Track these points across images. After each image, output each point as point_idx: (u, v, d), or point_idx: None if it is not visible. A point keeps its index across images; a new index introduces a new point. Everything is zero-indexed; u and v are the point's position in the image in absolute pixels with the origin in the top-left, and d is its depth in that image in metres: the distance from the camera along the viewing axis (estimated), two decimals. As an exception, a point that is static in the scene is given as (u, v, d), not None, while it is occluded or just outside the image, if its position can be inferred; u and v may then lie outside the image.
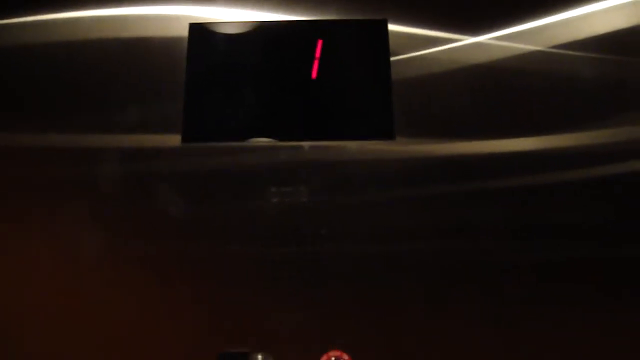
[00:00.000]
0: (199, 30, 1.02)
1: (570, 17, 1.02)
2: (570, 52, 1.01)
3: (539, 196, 0.95)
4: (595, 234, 0.94)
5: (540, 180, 0.96)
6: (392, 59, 1.00)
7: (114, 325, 0.91)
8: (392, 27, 1.02)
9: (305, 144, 0.97)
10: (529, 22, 1.02)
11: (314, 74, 1.00)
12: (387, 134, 0.97)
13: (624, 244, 0.93)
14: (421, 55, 1.01)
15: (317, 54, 1.00)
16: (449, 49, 1.01)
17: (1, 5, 1.04)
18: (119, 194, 0.96)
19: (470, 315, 0.91)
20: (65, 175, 0.97)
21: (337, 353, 0.88)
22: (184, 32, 1.02)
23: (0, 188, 0.97)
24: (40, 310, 0.92)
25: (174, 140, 0.98)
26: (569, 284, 0.92)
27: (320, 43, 1.01)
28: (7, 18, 1.04)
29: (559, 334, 0.90)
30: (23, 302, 0.93)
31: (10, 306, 0.93)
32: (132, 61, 1.01)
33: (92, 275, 0.93)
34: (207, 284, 0.93)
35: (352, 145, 0.97)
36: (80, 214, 0.95)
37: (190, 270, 0.94)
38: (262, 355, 0.86)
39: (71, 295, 0.93)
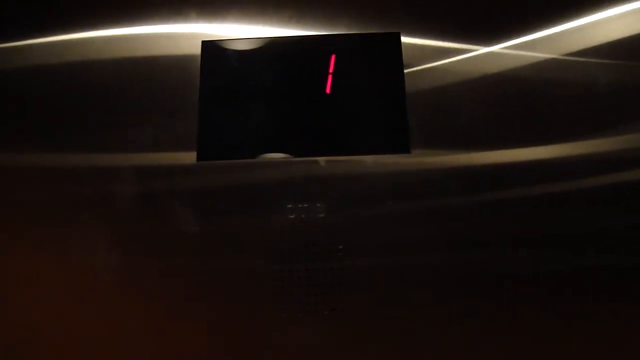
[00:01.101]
0: (211, 47, 1.02)
1: (583, 24, 1.02)
2: (585, 59, 1.00)
3: (556, 205, 0.95)
4: (613, 242, 0.93)
5: (557, 188, 0.95)
6: (405, 71, 1.00)
7: (127, 344, 0.92)
8: (405, 39, 1.02)
9: (321, 159, 0.97)
10: (542, 30, 1.02)
11: (328, 89, 0.99)
12: (403, 148, 0.97)
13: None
14: (435, 66, 1.01)
15: (331, 68, 1.00)
16: (463, 59, 1.01)
17: (14, 28, 1.04)
18: (133, 212, 0.96)
19: (486, 327, 0.91)
20: (80, 194, 0.97)
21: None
22: (196, 49, 1.02)
23: (13, 208, 0.97)
24: (52, 331, 0.93)
25: (188, 157, 0.97)
26: (587, 293, 0.92)
27: (333, 58, 1.00)
28: (20, 40, 1.04)
29: (576, 345, 0.90)
30: (36, 324, 0.93)
31: (23, 327, 0.93)
32: (144, 80, 1.01)
33: (106, 294, 0.93)
34: (223, 300, 0.93)
35: (367, 158, 0.97)
36: (95, 232, 0.95)
37: (206, 287, 0.94)
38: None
39: (85, 314, 0.93)
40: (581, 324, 0.91)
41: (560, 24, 1.02)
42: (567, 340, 0.91)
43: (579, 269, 0.93)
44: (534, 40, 1.01)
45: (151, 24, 1.04)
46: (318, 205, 0.95)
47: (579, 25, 1.02)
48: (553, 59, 1.00)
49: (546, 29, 1.02)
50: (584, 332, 0.91)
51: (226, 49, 1.02)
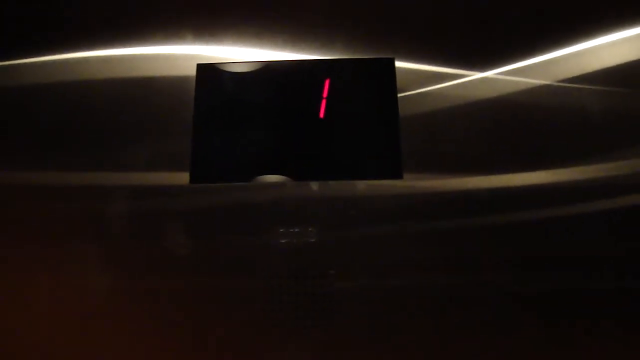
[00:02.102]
0: (206, 70, 1.02)
1: (578, 51, 1.02)
2: (579, 86, 1.01)
3: (548, 230, 0.95)
4: (606, 266, 0.94)
5: (549, 213, 0.95)
6: (399, 95, 1.00)
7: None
8: (399, 63, 1.02)
9: (313, 182, 0.97)
10: (536, 56, 1.02)
11: (322, 114, 1.00)
12: (395, 174, 0.97)
13: (636, 277, 0.93)
14: (428, 91, 1.01)
15: (325, 93, 1.00)
16: (456, 84, 1.01)
17: (11, 47, 1.05)
18: (126, 232, 0.96)
19: (479, 349, 0.91)
20: (73, 213, 0.97)
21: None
22: (192, 71, 1.02)
23: (6, 227, 0.97)
24: (43, 352, 0.92)
25: (181, 178, 0.98)
26: (582, 317, 0.92)
27: (327, 82, 1.01)
28: (17, 59, 1.04)
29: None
30: (27, 344, 0.93)
31: (13, 346, 0.93)
32: (139, 100, 1.01)
33: (99, 315, 0.93)
34: (213, 322, 0.93)
35: (359, 183, 0.97)
36: (86, 252, 0.95)
37: (196, 308, 0.93)
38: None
39: (76, 335, 0.93)
40: (577, 346, 0.91)
41: (554, 51, 1.02)
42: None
43: (575, 292, 0.93)
44: (528, 67, 1.02)
45: (147, 45, 1.04)
46: (310, 229, 0.95)
47: (573, 52, 1.02)
48: (547, 85, 1.01)
49: (540, 55, 1.02)
50: (580, 354, 0.91)
51: (221, 72, 1.02)
